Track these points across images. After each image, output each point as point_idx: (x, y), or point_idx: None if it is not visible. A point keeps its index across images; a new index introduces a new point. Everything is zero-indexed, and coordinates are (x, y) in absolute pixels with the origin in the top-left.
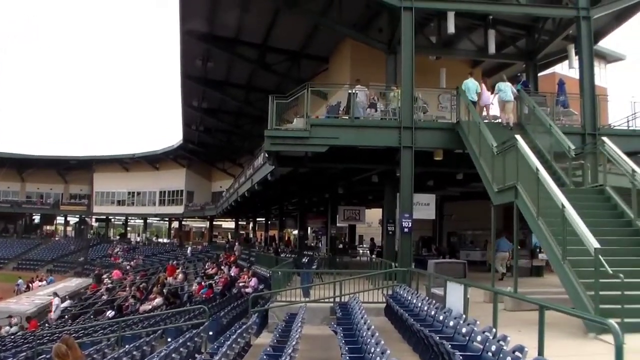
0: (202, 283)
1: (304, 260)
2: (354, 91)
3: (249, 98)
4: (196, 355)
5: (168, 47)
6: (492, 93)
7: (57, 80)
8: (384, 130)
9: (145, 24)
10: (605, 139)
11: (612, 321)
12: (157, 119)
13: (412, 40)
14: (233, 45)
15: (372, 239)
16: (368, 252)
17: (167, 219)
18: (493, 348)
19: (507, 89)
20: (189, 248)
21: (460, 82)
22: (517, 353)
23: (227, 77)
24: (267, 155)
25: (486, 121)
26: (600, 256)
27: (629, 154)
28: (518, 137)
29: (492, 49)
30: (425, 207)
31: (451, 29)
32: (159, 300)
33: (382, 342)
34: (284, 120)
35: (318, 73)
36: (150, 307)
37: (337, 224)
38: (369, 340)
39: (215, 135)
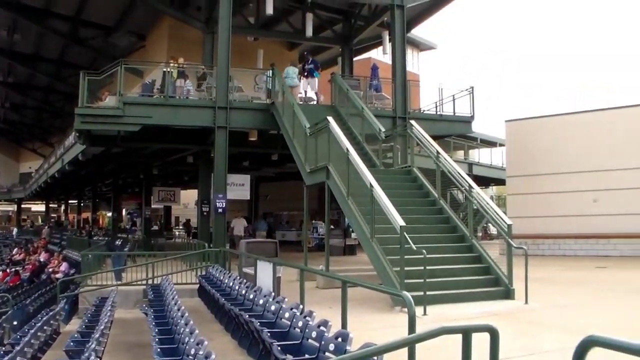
0: (7, 270)
1: (117, 242)
2: (169, 70)
3: (62, 74)
4: None
5: None
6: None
7: None
8: (198, 109)
9: None
10: (413, 122)
11: (406, 293)
12: None
13: (229, 20)
14: (43, 17)
15: (188, 220)
16: (184, 233)
17: None
18: (300, 324)
19: (294, 74)
20: (14, 229)
21: (277, 63)
22: (321, 327)
23: (36, 50)
24: (77, 134)
25: (300, 103)
26: (405, 234)
27: (436, 137)
28: (330, 118)
29: (309, 32)
30: (240, 187)
31: (269, 10)
32: None
33: (192, 322)
34: (98, 98)
35: (135, 50)
36: None
37: (152, 206)
38: (179, 321)
39: (24, 112)
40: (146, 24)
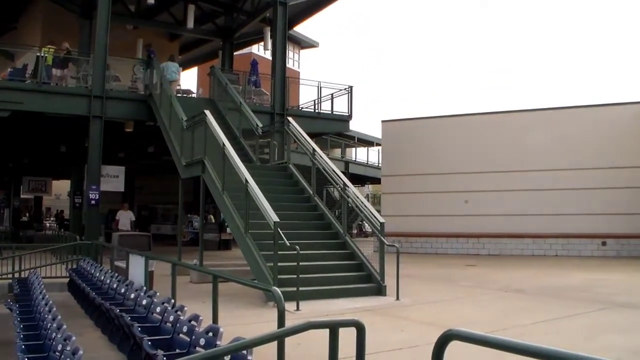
0: None
1: None
2: (42, 54)
3: None
4: None
5: None
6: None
7: None
8: (73, 98)
9: None
10: (291, 119)
11: (276, 288)
12: None
13: (108, 6)
14: None
15: (61, 211)
16: (56, 225)
17: None
18: (171, 318)
19: (174, 68)
20: None
21: (157, 54)
22: (192, 322)
23: None
24: None
25: (179, 95)
26: (279, 229)
27: (313, 135)
28: (207, 112)
29: (190, 23)
30: (114, 179)
31: None
32: None
33: (60, 317)
34: None
35: (5, 31)
36: None
37: (22, 196)
38: (46, 316)
39: None
40: (18, 3)
